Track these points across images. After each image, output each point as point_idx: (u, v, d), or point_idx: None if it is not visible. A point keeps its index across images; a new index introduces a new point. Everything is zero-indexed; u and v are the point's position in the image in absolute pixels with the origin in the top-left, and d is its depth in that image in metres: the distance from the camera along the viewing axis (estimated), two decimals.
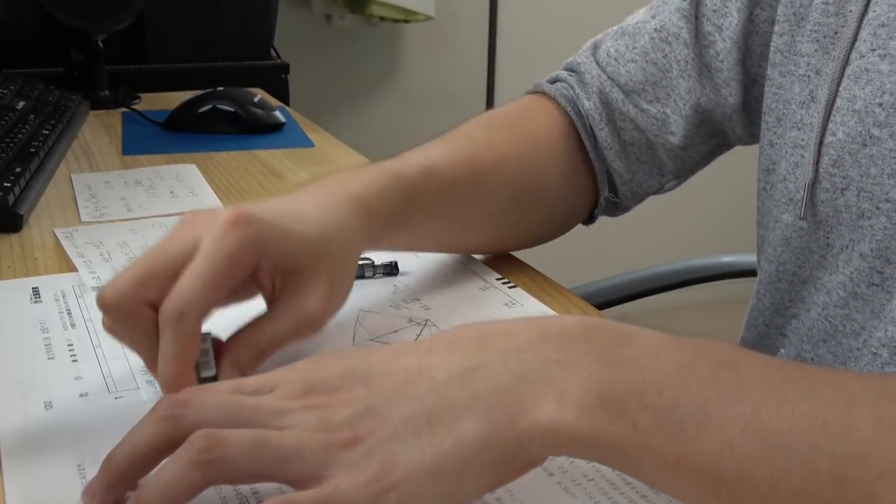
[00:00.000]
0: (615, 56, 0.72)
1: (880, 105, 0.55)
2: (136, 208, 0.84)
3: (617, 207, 0.75)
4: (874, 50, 0.56)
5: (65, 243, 0.73)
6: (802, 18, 0.62)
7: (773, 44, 0.64)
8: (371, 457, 0.36)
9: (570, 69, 0.75)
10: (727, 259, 1.14)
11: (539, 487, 0.41)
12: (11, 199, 0.78)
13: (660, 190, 0.75)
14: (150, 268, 0.46)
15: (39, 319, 0.59)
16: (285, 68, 1.56)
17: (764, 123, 0.65)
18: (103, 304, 0.46)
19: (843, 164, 0.57)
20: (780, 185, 0.63)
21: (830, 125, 0.58)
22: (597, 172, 0.73)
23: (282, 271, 0.50)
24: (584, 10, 2.34)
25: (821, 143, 0.59)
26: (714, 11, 0.67)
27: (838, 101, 0.58)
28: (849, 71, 0.57)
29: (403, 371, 0.39)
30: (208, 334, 0.47)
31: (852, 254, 0.58)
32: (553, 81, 0.75)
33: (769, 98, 0.65)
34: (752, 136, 0.71)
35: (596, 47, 0.74)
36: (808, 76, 0.61)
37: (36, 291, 0.63)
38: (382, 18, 2.15)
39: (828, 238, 0.60)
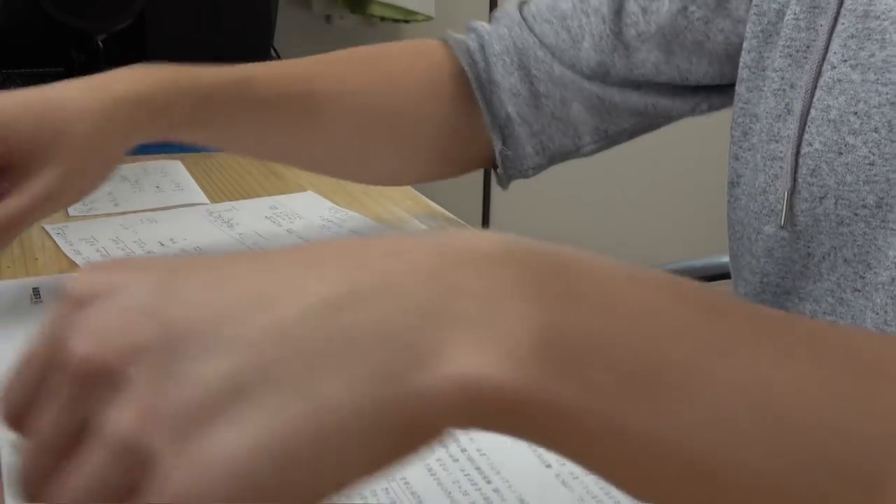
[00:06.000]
0: (534, 13, 0.73)
1: (855, 114, 0.57)
2: (123, 203, 0.85)
3: (520, 164, 0.75)
4: (845, 61, 0.57)
5: (58, 240, 0.74)
6: (771, 35, 0.64)
7: (741, 59, 0.67)
8: (159, 462, 0.24)
9: (494, 21, 0.76)
10: (727, 259, 1.13)
11: (536, 480, 0.41)
12: None
13: (576, 153, 0.76)
14: None
15: (39, 320, 0.59)
16: None
17: (731, 138, 0.68)
18: None
19: (820, 174, 0.59)
20: (761, 198, 0.65)
21: (806, 136, 0.60)
22: (488, 125, 0.73)
23: (13, 154, 0.56)
24: None
25: (797, 153, 0.61)
26: None
27: (812, 111, 0.60)
28: (821, 82, 0.59)
29: (226, 305, 0.25)
30: None
31: (836, 260, 0.60)
32: (469, 31, 0.76)
33: (736, 113, 0.67)
34: (675, 114, 0.73)
35: (524, 2, 0.75)
36: (783, 90, 0.63)
37: (36, 292, 0.63)
38: (382, 18, 2.15)
39: (808, 247, 0.62)
